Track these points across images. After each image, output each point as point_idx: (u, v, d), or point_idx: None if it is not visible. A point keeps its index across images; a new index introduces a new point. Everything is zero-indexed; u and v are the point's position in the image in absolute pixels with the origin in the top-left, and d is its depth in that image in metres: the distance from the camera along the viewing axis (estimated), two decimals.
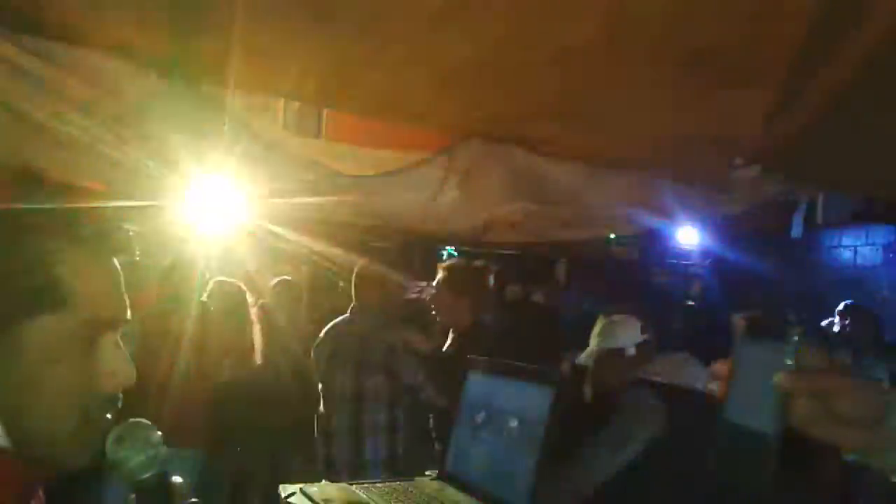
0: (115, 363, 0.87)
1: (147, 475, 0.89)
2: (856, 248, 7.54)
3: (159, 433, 0.91)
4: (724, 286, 7.03)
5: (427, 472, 1.57)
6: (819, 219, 6.15)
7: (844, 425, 0.76)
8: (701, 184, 3.61)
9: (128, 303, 0.89)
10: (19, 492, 0.82)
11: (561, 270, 7.31)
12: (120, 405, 0.88)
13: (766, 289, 6.45)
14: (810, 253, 7.31)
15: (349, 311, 3.80)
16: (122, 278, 0.89)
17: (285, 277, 5.33)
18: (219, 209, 3.82)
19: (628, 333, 3.04)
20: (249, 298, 4.10)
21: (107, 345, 0.87)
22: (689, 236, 6.51)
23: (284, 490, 1.38)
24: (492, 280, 4.29)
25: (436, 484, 1.49)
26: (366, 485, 1.44)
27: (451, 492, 1.44)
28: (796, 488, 2.79)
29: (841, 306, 5.59)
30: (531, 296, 6.25)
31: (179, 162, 3.07)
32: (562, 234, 4.35)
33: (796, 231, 5.58)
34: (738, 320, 3.38)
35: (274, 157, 3.23)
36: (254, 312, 4.06)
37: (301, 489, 1.38)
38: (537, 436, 1.36)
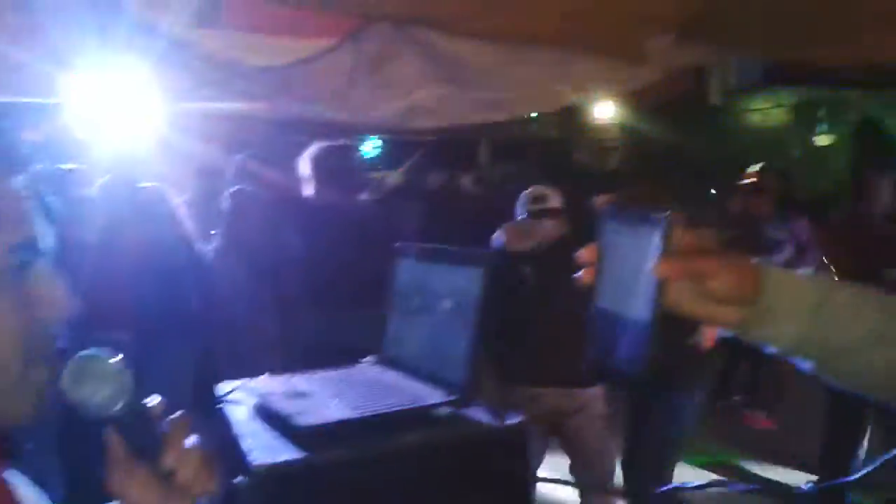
0: (51, 292, 0.80)
1: (118, 407, 0.82)
2: (767, 110, 7.74)
3: (119, 358, 0.83)
4: (642, 158, 7.16)
5: (366, 359, 1.60)
6: (730, 84, 6.26)
7: (720, 304, 0.77)
8: (616, 55, 3.61)
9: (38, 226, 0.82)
10: None
11: (484, 154, 7.31)
12: (61, 344, 0.81)
13: (683, 157, 6.60)
14: (724, 119, 7.47)
15: None
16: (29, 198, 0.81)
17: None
18: (125, 113, 3.65)
19: None
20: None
21: (37, 273, 0.80)
22: (605, 111, 6.54)
23: (224, 388, 1.39)
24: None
25: (376, 368, 1.52)
26: (307, 375, 1.46)
27: (391, 374, 1.47)
28: (674, 368, 3.01)
29: (752, 169, 5.78)
30: (456, 181, 6.25)
31: (71, 60, 2.90)
32: (481, 117, 4.31)
33: (714, 97, 5.67)
34: (600, 204, 3.48)
35: (177, 54, 3.08)
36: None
37: (241, 385, 1.39)
38: (471, 315, 1.39)
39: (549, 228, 3.27)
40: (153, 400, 0.86)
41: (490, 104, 4.00)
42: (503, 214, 3.71)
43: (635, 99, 5.78)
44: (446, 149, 6.40)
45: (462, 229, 4.82)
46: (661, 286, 0.74)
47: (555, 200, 3.33)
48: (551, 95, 4.18)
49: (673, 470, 3.29)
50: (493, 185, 6.41)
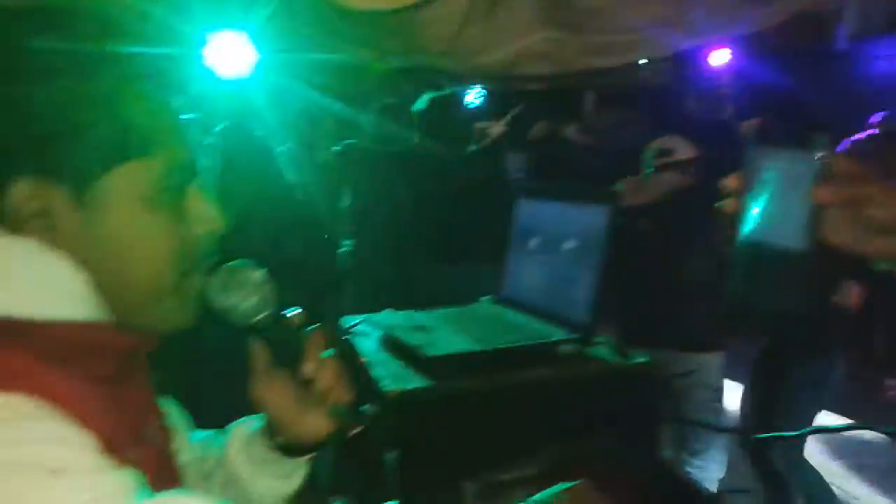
0: (204, 210, 0.85)
1: (261, 316, 0.88)
2: (893, 57, 7.27)
3: (263, 270, 0.89)
4: (759, 108, 6.85)
5: (483, 298, 1.60)
6: (855, 28, 5.88)
7: (879, 234, 0.71)
8: None
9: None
10: (120, 363, 0.79)
11: (590, 102, 7.13)
12: (213, 258, 0.86)
13: (803, 106, 6.27)
14: (848, 66, 7.04)
15: None
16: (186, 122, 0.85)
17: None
18: (235, 64, 3.75)
19: None
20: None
21: (192, 192, 0.85)
22: (720, 57, 6.27)
23: (349, 320, 1.42)
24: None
25: (495, 307, 1.52)
26: (428, 311, 1.47)
27: (509, 313, 1.46)
28: (816, 327, 2.86)
29: (877, 117, 5.43)
30: (561, 132, 6.12)
31: (194, 12, 2.98)
32: (592, 62, 4.20)
33: (841, 43, 5.33)
34: (748, 126, 3.27)
35: (287, 5, 3.11)
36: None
37: (367, 318, 1.41)
38: (595, 254, 1.36)
39: (671, 182, 3.14)
40: (294, 311, 0.90)
41: (601, 49, 3.88)
42: (610, 164, 3.63)
43: (754, 44, 5.52)
44: (551, 98, 6.28)
45: (568, 179, 4.75)
46: (818, 214, 0.69)
47: (682, 153, 3.19)
48: (664, 40, 4.03)
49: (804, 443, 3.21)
50: (599, 134, 6.26)
